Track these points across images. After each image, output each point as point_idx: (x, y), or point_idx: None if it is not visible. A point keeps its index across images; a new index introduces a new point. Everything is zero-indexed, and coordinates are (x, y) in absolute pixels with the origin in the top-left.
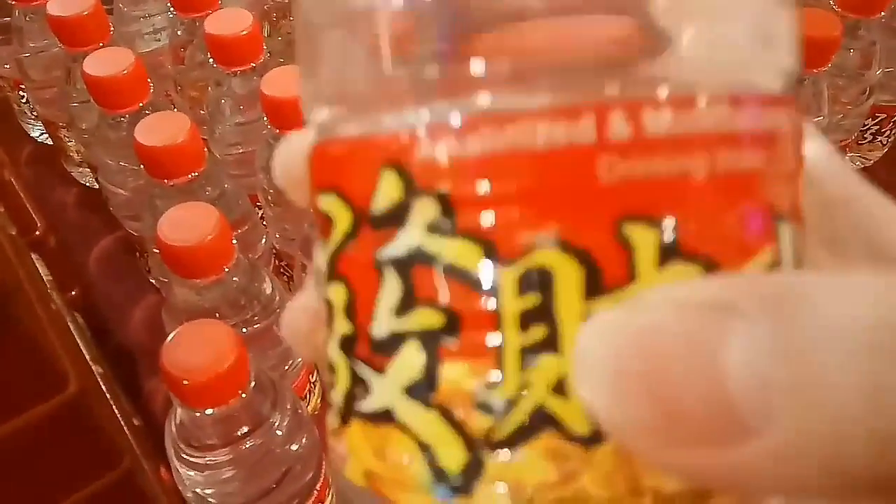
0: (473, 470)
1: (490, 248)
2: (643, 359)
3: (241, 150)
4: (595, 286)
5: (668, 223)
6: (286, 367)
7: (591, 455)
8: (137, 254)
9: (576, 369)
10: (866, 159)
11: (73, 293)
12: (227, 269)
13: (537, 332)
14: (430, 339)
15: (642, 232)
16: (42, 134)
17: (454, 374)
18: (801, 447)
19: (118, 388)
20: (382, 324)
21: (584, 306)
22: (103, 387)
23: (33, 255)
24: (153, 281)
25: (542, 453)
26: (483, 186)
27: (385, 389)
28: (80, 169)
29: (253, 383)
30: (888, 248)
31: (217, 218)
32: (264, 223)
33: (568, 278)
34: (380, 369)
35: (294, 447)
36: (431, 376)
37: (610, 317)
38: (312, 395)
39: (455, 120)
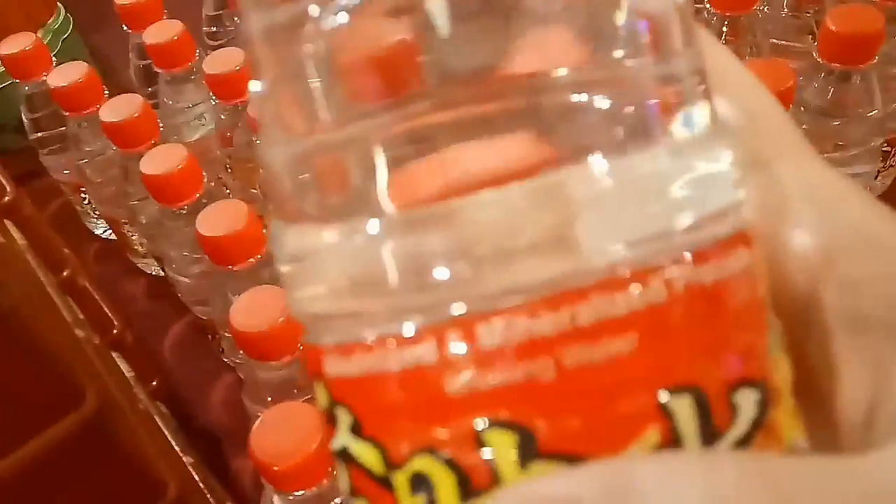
0: None
1: (384, 453)
2: None
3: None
4: (466, 490)
5: (522, 425)
6: None
7: None
8: (209, 336)
9: None
10: None
11: (154, 383)
12: (301, 346)
13: None
14: None
15: (499, 436)
16: (106, 231)
17: None
18: None
19: (209, 476)
20: (348, 502)
21: None
22: (196, 477)
23: (114, 354)
24: (227, 361)
25: None
26: (368, 401)
27: None
28: (146, 260)
29: None
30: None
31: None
32: None
33: (444, 483)
34: None
35: None
36: None
37: None
38: None
39: (336, 344)
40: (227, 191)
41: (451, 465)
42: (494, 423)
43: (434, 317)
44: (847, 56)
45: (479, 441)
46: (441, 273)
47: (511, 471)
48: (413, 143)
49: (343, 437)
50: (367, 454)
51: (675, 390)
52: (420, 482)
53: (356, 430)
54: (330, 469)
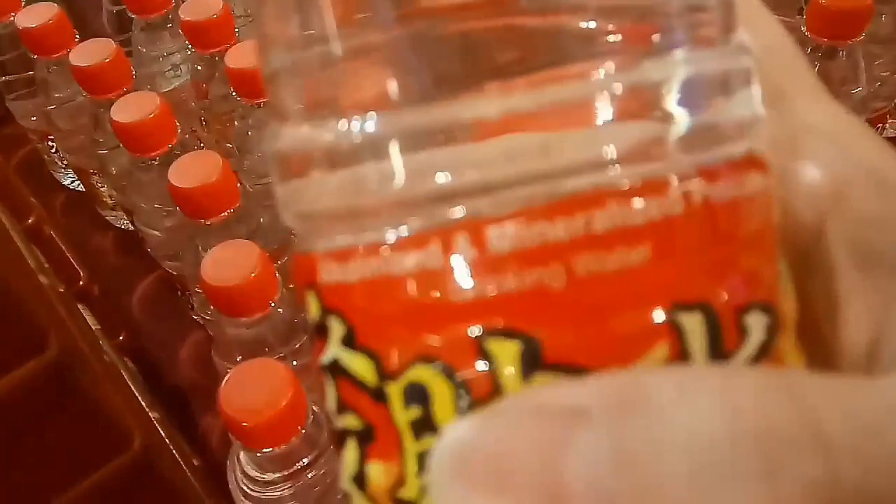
0: None
1: (379, 363)
2: (490, 467)
3: (271, 181)
4: (465, 400)
5: (528, 334)
6: None
7: None
8: (179, 292)
9: (431, 481)
10: None
11: (121, 338)
12: (273, 304)
13: (427, 441)
14: (358, 439)
15: (501, 346)
16: (74, 181)
17: (375, 473)
18: None
19: (175, 432)
20: (333, 419)
21: (457, 419)
22: (162, 433)
23: (80, 306)
24: (196, 318)
25: None
26: (365, 308)
27: (343, 476)
28: (115, 213)
29: (311, 417)
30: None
31: (258, 254)
32: None
33: (440, 393)
34: (341, 458)
35: None
36: (362, 472)
37: (457, 429)
38: None
39: (332, 249)
40: (202, 144)
41: (450, 374)
42: (498, 332)
43: (440, 219)
44: (834, 31)
45: (480, 350)
46: (446, 174)
47: (513, 381)
48: (418, 51)
49: (334, 349)
50: (359, 365)
51: (686, 306)
52: (415, 393)
53: (349, 340)
54: (298, 427)
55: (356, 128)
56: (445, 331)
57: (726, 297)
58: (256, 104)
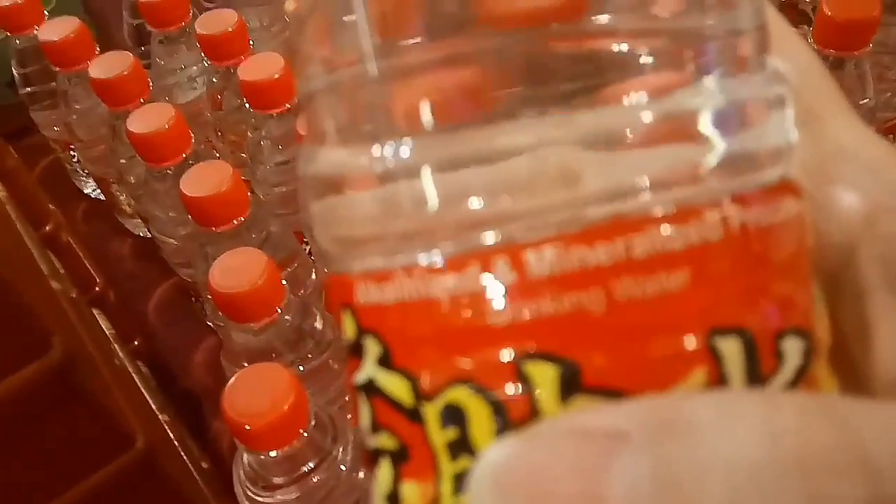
0: None
1: (415, 384)
2: (531, 489)
3: (284, 189)
4: (503, 422)
5: (566, 358)
6: (345, 400)
7: None
8: (193, 299)
9: (470, 502)
10: None
11: (136, 343)
12: (279, 310)
13: (463, 462)
14: (392, 459)
15: (540, 368)
16: (95, 190)
17: (409, 493)
18: None
19: (185, 434)
20: (366, 438)
21: (496, 441)
22: (171, 434)
23: (95, 311)
24: (211, 324)
25: None
26: (402, 329)
27: (375, 496)
28: (134, 220)
29: (313, 421)
30: None
31: (265, 262)
32: (312, 258)
33: (478, 415)
34: (374, 477)
35: (359, 479)
36: (396, 491)
37: (498, 451)
38: None
39: (369, 270)
40: (217, 154)
41: (488, 396)
42: (537, 355)
43: (474, 244)
44: (842, 42)
45: (519, 373)
46: (482, 199)
47: (552, 404)
48: (453, 76)
49: (369, 369)
50: (395, 385)
51: (724, 331)
52: (452, 414)
53: (385, 360)
54: (300, 431)
55: (390, 153)
56: (484, 353)
57: (763, 321)
58: (269, 115)
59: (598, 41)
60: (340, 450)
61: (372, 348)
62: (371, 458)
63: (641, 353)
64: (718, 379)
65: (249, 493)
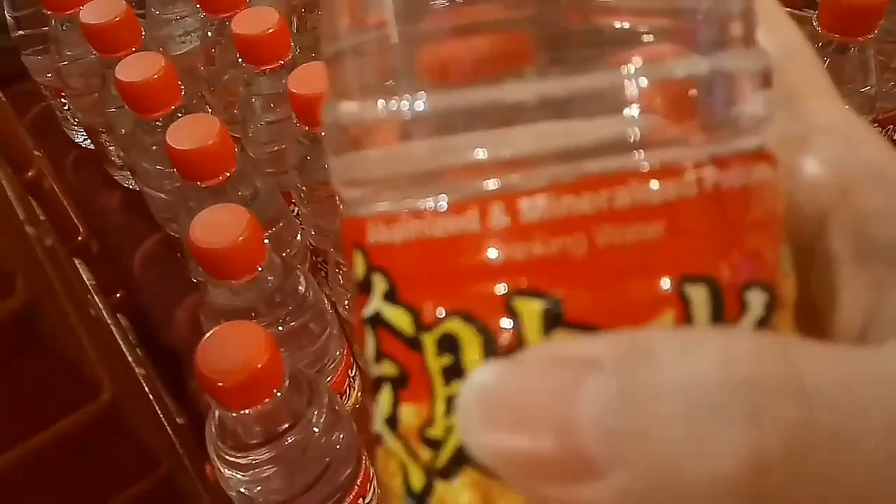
0: (427, 490)
1: (417, 316)
2: (511, 407)
3: (274, 148)
4: (491, 350)
5: (551, 295)
6: (324, 363)
7: (503, 485)
8: (179, 254)
9: (458, 419)
10: None
11: (118, 296)
12: (260, 269)
13: (456, 386)
14: (393, 384)
15: (526, 304)
16: (85, 139)
17: (406, 415)
18: (640, 490)
19: (161, 390)
20: (370, 368)
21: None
22: (146, 388)
23: (77, 261)
24: (195, 280)
25: (467, 483)
26: (406, 267)
27: (377, 419)
28: (123, 172)
29: (287, 381)
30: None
31: (247, 218)
32: (299, 220)
33: (470, 343)
34: (376, 402)
35: (333, 442)
36: (395, 414)
37: (483, 373)
38: (352, 389)
39: (380, 213)
40: (210, 110)
41: (480, 327)
42: (524, 291)
43: (476, 190)
44: (846, 27)
45: (508, 307)
46: (483, 150)
47: (536, 335)
48: (466, 37)
49: (376, 303)
50: (399, 317)
51: (693, 279)
52: (448, 343)
53: (390, 295)
54: (274, 391)
55: (406, 106)
56: (478, 288)
57: (730, 273)
58: (261, 71)
59: (602, 17)
60: (315, 413)
61: (379, 284)
62: (374, 385)
63: (617, 294)
64: (685, 321)
65: (221, 452)
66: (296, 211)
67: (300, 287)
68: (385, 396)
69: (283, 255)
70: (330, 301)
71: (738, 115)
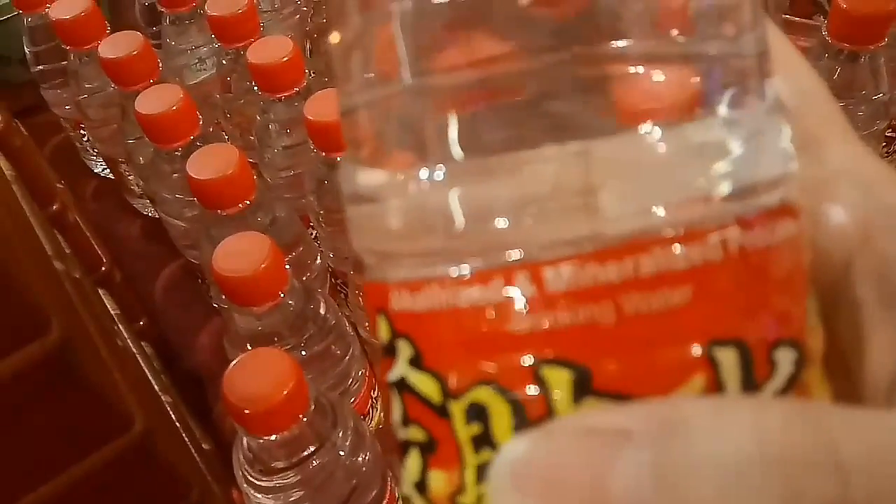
0: None
1: (444, 384)
2: (544, 478)
3: (291, 173)
4: (521, 419)
5: (579, 364)
6: (347, 385)
7: None
8: (200, 280)
9: (490, 488)
10: None
11: (142, 323)
12: (282, 295)
13: (486, 454)
14: (421, 450)
15: (555, 373)
16: (104, 169)
17: (436, 480)
18: None
19: (187, 416)
20: (397, 431)
21: (515, 436)
22: (172, 416)
23: (101, 291)
24: (216, 305)
25: None
26: (432, 334)
27: (405, 482)
28: (142, 200)
29: (313, 406)
30: None
31: (269, 245)
32: (318, 243)
33: (499, 413)
34: (403, 466)
35: (359, 464)
36: (424, 479)
37: (516, 445)
38: (375, 410)
39: (404, 280)
40: (226, 137)
41: (509, 396)
42: (553, 361)
43: (500, 259)
44: (856, 36)
45: (536, 376)
46: (505, 220)
47: (565, 405)
48: (485, 96)
49: (401, 368)
50: (425, 384)
51: (721, 342)
52: (476, 411)
53: (416, 361)
54: (300, 416)
55: (425, 175)
56: (506, 358)
57: (758, 334)
58: (277, 98)
59: (614, 65)
60: (340, 435)
61: (404, 350)
62: (401, 448)
63: (646, 362)
64: (716, 385)
65: (249, 477)
66: (314, 234)
67: (321, 310)
68: (413, 461)
69: (304, 278)
70: (350, 322)
71: (759, 173)
